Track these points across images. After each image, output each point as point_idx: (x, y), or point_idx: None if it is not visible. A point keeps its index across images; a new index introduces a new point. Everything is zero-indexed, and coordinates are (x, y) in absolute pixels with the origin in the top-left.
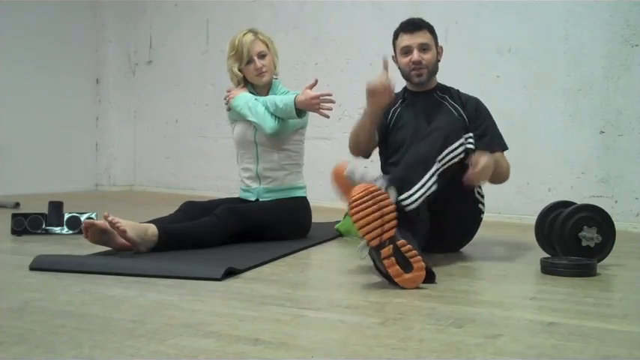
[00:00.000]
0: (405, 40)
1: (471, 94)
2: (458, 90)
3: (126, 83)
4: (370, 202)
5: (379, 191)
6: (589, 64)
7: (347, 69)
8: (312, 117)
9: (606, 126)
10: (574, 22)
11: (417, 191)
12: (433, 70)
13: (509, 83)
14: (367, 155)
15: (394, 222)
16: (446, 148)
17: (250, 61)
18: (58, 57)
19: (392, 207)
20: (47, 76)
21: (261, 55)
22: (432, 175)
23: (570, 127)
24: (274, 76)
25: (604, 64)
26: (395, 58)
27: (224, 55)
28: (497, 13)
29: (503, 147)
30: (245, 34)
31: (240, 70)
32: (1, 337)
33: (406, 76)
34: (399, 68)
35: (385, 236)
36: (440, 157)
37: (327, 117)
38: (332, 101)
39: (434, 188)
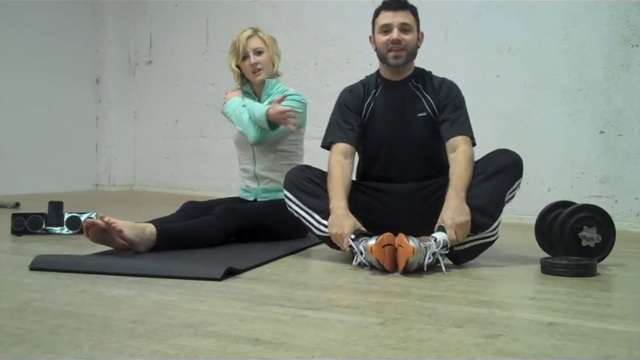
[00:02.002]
0: (387, 17)
1: (471, 94)
2: (431, 74)
3: (126, 83)
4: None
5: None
6: (589, 64)
7: (347, 69)
8: (311, 117)
9: (606, 126)
10: (574, 22)
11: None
12: (411, 52)
13: (509, 83)
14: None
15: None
16: (511, 187)
17: (246, 56)
18: (58, 57)
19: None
20: (47, 76)
21: (257, 52)
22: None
23: (570, 127)
24: (276, 75)
25: (604, 64)
26: (372, 39)
27: (224, 55)
28: (497, 13)
29: (472, 141)
30: (245, 30)
31: (237, 67)
32: (1, 337)
33: (382, 56)
34: (376, 49)
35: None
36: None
37: (294, 130)
38: (295, 117)
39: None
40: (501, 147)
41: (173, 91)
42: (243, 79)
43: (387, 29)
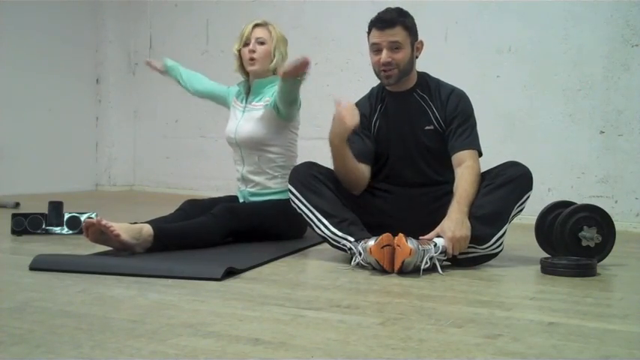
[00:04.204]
0: (375, 37)
1: (470, 94)
2: (439, 82)
3: (126, 83)
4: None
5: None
6: (589, 64)
7: (347, 69)
8: (311, 117)
9: (606, 126)
10: (574, 22)
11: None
12: (405, 69)
13: (509, 83)
14: (364, 187)
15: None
16: (519, 200)
17: (247, 43)
18: (58, 57)
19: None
20: (47, 76)
21: (259, 42)
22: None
23: (570, 127)
24: (272, 73)
25: (604, 64)
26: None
27: (224, 55)
28: (497, 13)
29: (479, 153)
30: (257, 20)
31: (239, 52)
32: (1, 337)
33: (377, 75)
34: (372, 64)
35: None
36: (513, 212)
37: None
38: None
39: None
40: (501, 148)
41: (173, 91)
42: (242, 70)
43: (376, 49)
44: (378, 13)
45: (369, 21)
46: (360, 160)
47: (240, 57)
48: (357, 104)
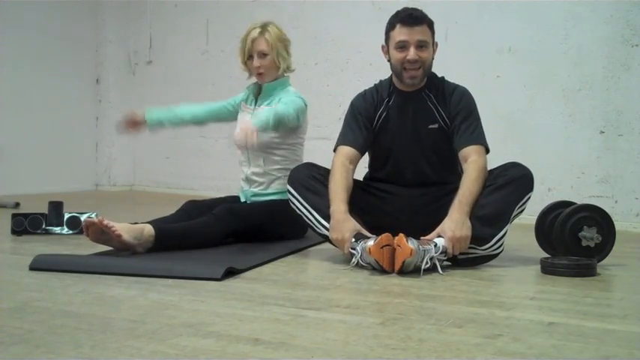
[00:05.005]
0: (403, 34)
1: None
2: (443, 79)
3: (126, 83)
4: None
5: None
6: (589, 64)
7: (347, 69)
8: (311, 117)
9: (606, 126)
10: (574, 22)
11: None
12: (428, 69)
13: (509, 83)
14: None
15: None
16: (520, 201)
17: (251, 57)
18: (58, 57)
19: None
20: (47, 76)
21: (261, 55)
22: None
23: (570, 127)
24: (285, 74)
25: (604, 64)
26: (385, 49)
27: (224, 55)
28: (497, 13)
29: (486, 149)
30: (254, 28)
31: (245, 64)
32: (1, 337)
33: (397, 73)
34: (390, 61)
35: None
36: (515, 211)
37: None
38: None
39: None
40: (501, 148)
41: (173, 91)
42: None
43: (403, 46)
44: (402, 11)
45: (370, 20)
46: (355, 148)
47: (248, 68)
48: (364, 94)
